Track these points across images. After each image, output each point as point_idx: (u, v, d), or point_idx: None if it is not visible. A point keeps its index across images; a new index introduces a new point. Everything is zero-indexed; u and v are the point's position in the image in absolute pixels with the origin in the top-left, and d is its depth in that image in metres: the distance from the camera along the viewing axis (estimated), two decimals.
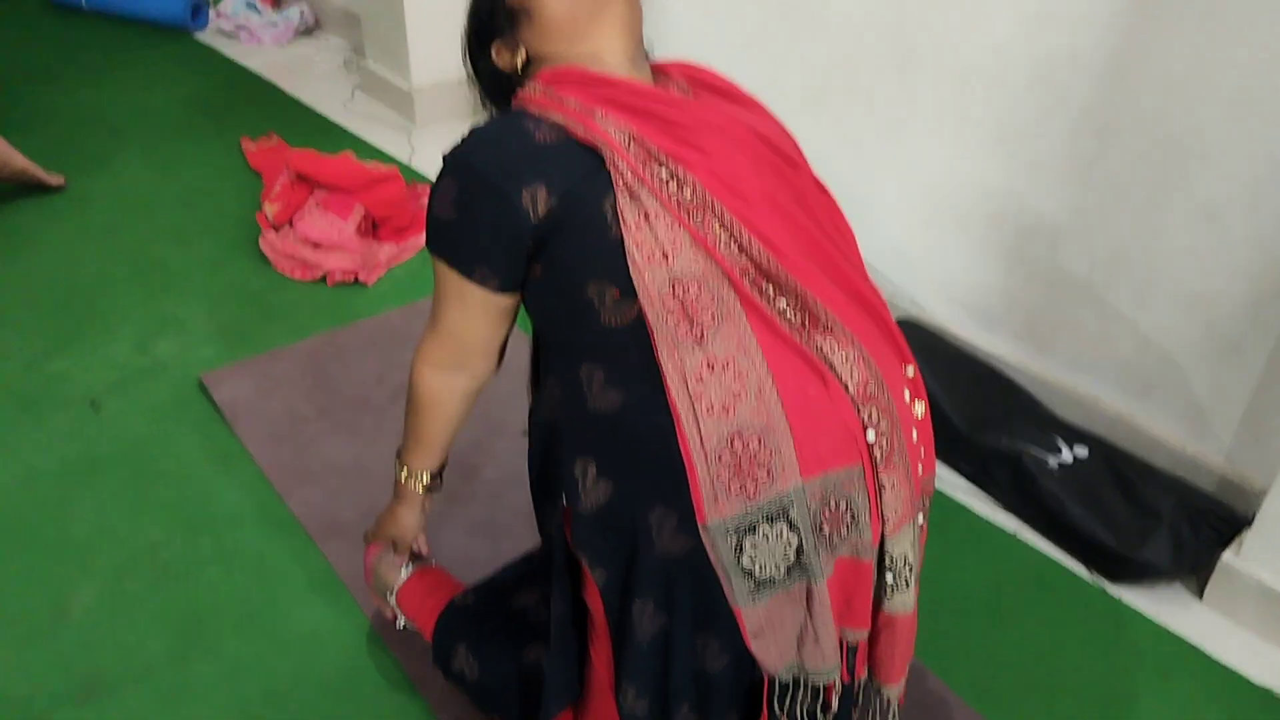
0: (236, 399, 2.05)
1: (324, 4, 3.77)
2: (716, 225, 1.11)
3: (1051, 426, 1.99)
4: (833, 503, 1.11)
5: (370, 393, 2.09)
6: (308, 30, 3.79)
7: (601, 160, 1.13)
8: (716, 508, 1.09)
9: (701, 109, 1.20)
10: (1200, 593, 1.72)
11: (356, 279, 2.43)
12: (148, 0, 3.76)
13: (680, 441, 1.08)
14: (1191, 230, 1.73)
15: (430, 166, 2.95)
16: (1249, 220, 1.65)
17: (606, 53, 1.23)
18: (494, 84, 1.34)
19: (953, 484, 1.95)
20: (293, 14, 3.73)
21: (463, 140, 1.18)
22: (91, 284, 2.39)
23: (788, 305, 1.12)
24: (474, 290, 1.19)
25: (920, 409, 1.21)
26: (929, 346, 2.13)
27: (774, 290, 1.11)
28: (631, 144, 1.13)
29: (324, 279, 2.43)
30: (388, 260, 2.49)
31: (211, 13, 3.80)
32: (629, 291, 1.10)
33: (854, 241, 1.25)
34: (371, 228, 2.54)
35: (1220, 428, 1.82)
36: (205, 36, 3.76)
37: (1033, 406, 2.04)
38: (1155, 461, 1.90)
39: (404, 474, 1.39)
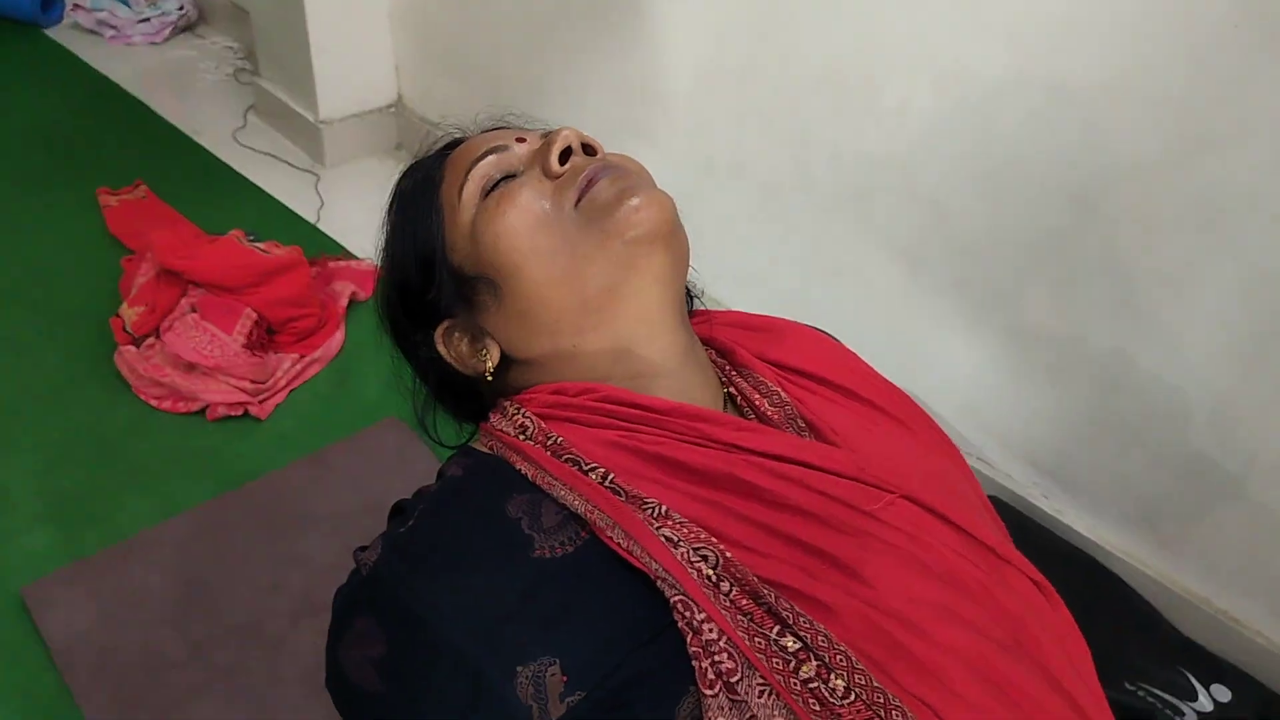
0: (72, 632, 1.46)
1: None
2: None
3: (1179, 654, 1.52)
4: None
5: (262, 611, 1.52)
6: (189, 26, 3.10)
7: (665, 606, 0.59)
8: None
9: (838, 469, 0.66)
10: None
11: (246, 412, 1.84)
12: None
13: None
14: None
15: (344, 226, 2.34)
16: None
17: (641, 342, 0.68)
18: (447, 384, 0.78)
19: None
20: (169, 6, 3.04)
21: (391, 540, 0.63)
22: None
23: None
24: None
25: None
26: (1009, 529, 1.62)
27: None
28: (724, 580, 0.59)
29: (203, 410, 1.83)
30: (288, 380, 1.90)
31: (68, 2, 3.07)
32: None
33: (1090, 669, 0.72)
34: (266, 334, 1.94)
35: None
36: (59, 34, 3.05)
37: (1151, 621, 1.56)
38: None
39: None
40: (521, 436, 0.67)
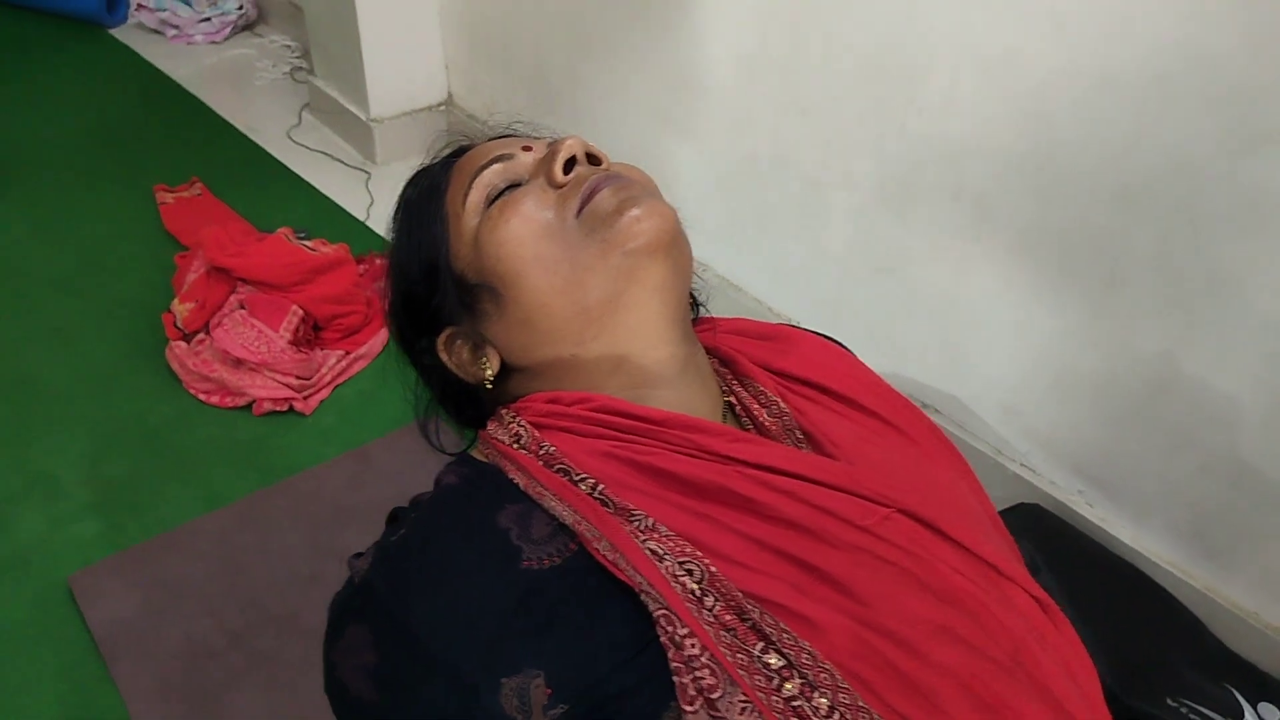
0: (116, 621, 1.50)
1: None
2: None
3: (1225, 670, 1.47)
4: None
5: (300, 603, 1.55)
6: (248, 25, 3.16)
7: (650, 620, 0.58)
8: None
9: (833, 481, 0.65)
10: None
11: (291, 407, 1.87)
12: None
13: None
14: None
15: None
16: None
17: (640, 352, 0.67)
18: (449, 390, 0.78)
19: None
20: (229, 6, 3.10)
21: (384, 550, 0.63)
22: None
23: None
24: None
25: None
26: (1052, 538, 1.59)
27: None
28: (708, 594, 0.58)
29: (249, 405, 1.87)
30: (333, 376, 1.93)
31: (132, 2, 3.15)
32: None
33: (1098, 693, 0.70)
34: (312, 330, 1.97)
35: None
36: (124, 33, 3.13)
37: (1196, 635, 1.51)
38: None
39: None
40: (515, 445, 0.66)
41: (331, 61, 2.59)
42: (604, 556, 0.59)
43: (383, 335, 2.03)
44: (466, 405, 0.78)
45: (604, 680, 0.57)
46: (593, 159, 0.72)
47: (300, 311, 1.91)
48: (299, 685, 1.44)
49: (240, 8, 3.11)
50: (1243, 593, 1.48)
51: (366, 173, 2.53)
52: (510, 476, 0.65)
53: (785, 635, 0.57)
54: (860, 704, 0.57)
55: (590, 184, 0.68)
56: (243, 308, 1.90)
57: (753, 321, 0.83)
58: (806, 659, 0.57)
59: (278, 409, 1.86)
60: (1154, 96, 1.30)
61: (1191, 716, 1.39)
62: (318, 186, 2.47)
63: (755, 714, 0.56)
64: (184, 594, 1.55)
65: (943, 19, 1.47)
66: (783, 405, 0.72)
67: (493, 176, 0.71)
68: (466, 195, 0.71)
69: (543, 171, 0.71)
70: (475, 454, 0.70)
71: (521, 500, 0.63)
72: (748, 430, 0.72)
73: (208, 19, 3.07)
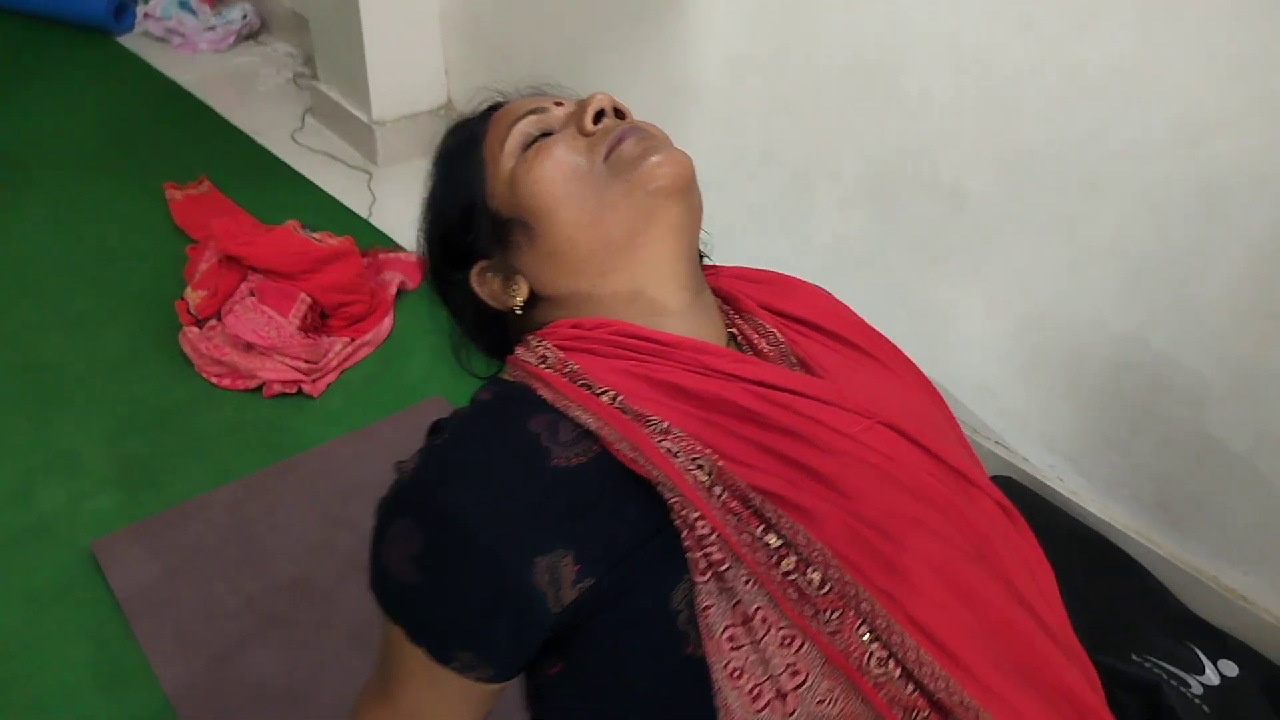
0: (136, 583, 1.57)
1: (270, 3, 3.23)
2: (865, 631, 0.65)
3: (1187, 630, 1.56)
4: None
5: (311, 570, 1.62)
6: (251, 34, 3.25)
7: (665, 509, 0.67)
8: None
9: (822, 396, 0.74)
10: None
11: (300, 389, 1.95)
12: None
13: None
14: None
15: (395, 221, 2.45)
16: None
17: (655, 285, 0.76)
18: (480, 320, 0.87)
19: None
20: (233, 15, 3.19)
21: (428, 452, 0.71)
22: None
23: None
24: (451, 679, 0.73)
25: None
26: (1024, 510, 1.67)
27: None
28: (716, 485, 0.67)
29: (259, 387, 1.95)
30: (339, 361, 2.01)
31: (139, 11, 3.24)
32: None
33: (1054, 591, 0.79)
34: (320, 317, 2.05)
35: None
36: (130, 41, 3.22)
37: (1161, 599, 1.61)
38: None
39: None
40: (542, 365, 0.75)
41: (335, 66, 2.68)
42: (624, 455, 0.68)
43: (387, 323, 2.11)
44: (494, 333, 0.87)
45: (625, 557, 0.66)
46: (619, 113, 0.82)
47: (308, 299, 2.00)
48: (310, 643, 1.51)
49: (244, 17, 3.20)
50: (1204, 558, 1.58)
51: (368, 173, 2.62)
52: (538, 392, 0.73)
53: (783, 520, 0.66)
54: (847, 579, 0.65)
55: (617, 133, 0.78)
56: (253, 295, 1.98)
57: (753, 269, 0.92)
58: (802, 540, 0.66)
59: (287, 391, 1.94)
60: (1114, 89, 1.40)
61: (1155, 670, 1.48)
62: (321, 186, 2.56)
63: (757, 584, 0.65)
64: (200, 560, 1.62)
65: (920, 19, 1.58)
66: (780, 336, 0.81)
67: (528, 126, 0.81)
68: (505, 141, 0.81)
69: (574, 122, 0.80)
70: (504, 376, 0.79)
71: (549, 411, 0.72)
72: (748, 355, 0.82)
73: (212, 28, 3.16)
